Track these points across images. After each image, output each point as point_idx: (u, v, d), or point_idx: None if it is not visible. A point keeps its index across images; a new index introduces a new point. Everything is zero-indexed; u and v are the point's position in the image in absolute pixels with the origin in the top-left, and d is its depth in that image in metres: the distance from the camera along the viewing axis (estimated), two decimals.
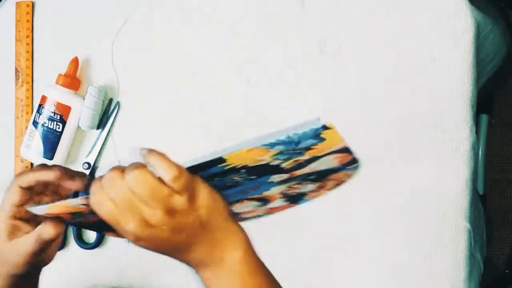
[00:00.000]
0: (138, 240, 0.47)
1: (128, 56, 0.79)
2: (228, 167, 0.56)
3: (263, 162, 0.57)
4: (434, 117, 0.70)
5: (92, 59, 0.80)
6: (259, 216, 0.68)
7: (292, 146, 0.58)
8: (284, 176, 0.62)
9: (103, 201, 0.48)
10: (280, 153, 0.58)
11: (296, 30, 0.74)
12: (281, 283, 0.53)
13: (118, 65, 0.79)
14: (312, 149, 0.57)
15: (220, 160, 0.54)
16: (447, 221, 0.70)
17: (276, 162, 0.58)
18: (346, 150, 0.57)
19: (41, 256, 0.53)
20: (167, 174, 0.46)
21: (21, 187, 0.52)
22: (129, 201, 0.46)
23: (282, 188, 0.64)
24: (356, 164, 0.58)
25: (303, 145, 0.58)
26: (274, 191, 0.66)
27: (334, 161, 0.60)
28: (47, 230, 0.51)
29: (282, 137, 0.55)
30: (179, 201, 0.46)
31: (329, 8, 0.73)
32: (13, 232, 0.52)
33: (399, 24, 0.71)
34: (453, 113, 0.70)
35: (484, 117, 1.15)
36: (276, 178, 0.61)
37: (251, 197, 0.66)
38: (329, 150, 0.58)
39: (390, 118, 0.72)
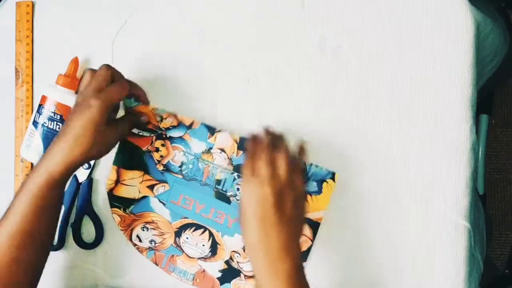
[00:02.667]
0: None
1: (128, 56, 0.79)
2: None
3: None
4: (434, 117, 0.71)
5: (92, 59, 0.80)
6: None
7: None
8: None
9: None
10: None
11: (296, 30, 0.74)
12: None
13: (118, 65, 0.79)
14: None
15: None
16: (447, 221, 0.70)
17: None
18: None
19: None
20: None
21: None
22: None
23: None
24: None
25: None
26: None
27: None
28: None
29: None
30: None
31: (329, 8, 0.73)
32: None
33: (399, 24, 0.71)
34: (453, 113, 0.70)
35: (484, 117, 1.15)
36: None
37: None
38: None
39: (390, 118, 0.72)
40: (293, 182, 0.66)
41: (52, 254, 0.80)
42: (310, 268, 0.74)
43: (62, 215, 0.80)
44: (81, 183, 0.79)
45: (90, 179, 0.79)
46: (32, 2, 0.83)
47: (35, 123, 0.77)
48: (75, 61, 0.78)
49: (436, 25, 0.70)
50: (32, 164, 0.82)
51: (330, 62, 0.73)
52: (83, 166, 0.79)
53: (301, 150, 0.70)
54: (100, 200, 0.80)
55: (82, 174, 0.79)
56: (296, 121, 0.74)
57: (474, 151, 0.70)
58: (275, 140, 0.68)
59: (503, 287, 1.22)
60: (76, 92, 0.79)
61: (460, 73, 0.70)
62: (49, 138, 0.77)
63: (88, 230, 0.81)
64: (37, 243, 0.68)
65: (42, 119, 0.77)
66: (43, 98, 0.77)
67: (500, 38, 0.79)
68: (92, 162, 0.79)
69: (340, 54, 0.73)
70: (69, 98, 0.77)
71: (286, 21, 0.74)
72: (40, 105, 0.77)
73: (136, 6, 0.79)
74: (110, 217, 0.80)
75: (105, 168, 0.80)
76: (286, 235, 0.63)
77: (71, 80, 0.78)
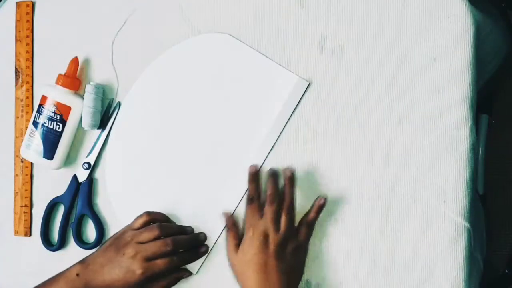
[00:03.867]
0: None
1: (128, 56, 0.79)
2: None
3: None
4: (434, 117, 0.71)
5: (92, 59, 0.80)
6: None
7: None
8: None
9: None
10: None
11: (296, 30, 0.74)
12: None
13: (118, 65, 0.79)
14: None
15: None
16: (447, 221, 0.70)
17: None
18: None
19: None
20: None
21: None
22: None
23: None
24: None
25: None
26: None
27: None
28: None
29: None
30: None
31: (329, 8, 0.73)
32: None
33: (399, 24, 0.71)
34: (453, 113, 0.70)
35: (484, 117, 1.15)
36: None
37: None
38: None
39: (390, 118, 0.72)
40: (297, 232, 0.71)
41: (52, 254, 0.80)
42: (309, 268, 0.74)
43: (62, 215, 0.80)
44: (81, 183, 0.79)
45: (90, 179, 0.79)
46: (32, 2, 0.83)
47: (35, 123, 0.77)
48: (75, 61, 0.78)
49: (436, 25, 0.70)
50: (32, 164, 0.82)
51: (330, 62, 0.73)
52: (83, 166, 0.79)
53: (289, 180, 0.72)
54: (100, 200, 0.80)
55: (82, 174, 0.79)
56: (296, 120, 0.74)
57: (474, 151, 0.70)
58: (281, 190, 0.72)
59: (503, 287, 1.22)
60: (76, 92, 0.79)
61: (460, 73, 0.70)
62: (49, 138, 0.77)
63: (88, 230, 0.81)
64: None
65: (42, 119, 0.77)
66: (43, 98, 0.77)
67: (500, 38, 0.79)
68: (92, 162, 0.79)
69: (340, 54, 0.73)
70: (69, 98, 0.77)
71: (286, 21, 0.74)
72: (40, 105, 0.77)
73: (136, 6, 0.79)
74: (110, 217, 0.80)
75: (105, 168, 0.80)
76: (285, 283, 0.68)
77: (71, 80, 0.78)
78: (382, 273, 0.72)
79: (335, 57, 0.73)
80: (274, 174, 0.72)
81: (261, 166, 0.74)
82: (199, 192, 0.76)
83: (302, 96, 0.73)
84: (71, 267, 0.72)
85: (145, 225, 0.73)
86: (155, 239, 0.71)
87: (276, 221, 0.70)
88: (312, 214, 0.72)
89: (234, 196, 0.75)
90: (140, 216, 0.74)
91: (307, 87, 0.73)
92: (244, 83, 0.75)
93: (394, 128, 0.72)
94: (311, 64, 0.74)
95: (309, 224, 0.72)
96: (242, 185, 0.75)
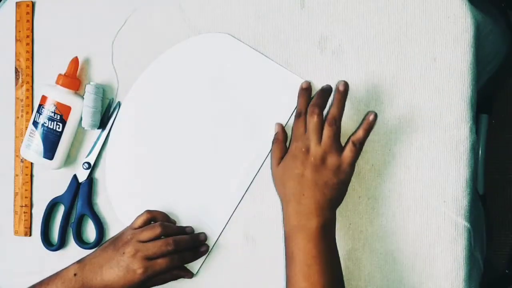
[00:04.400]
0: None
1: (128, 56, 0.79)
2: None
3: None
4: (434, 117, 0.71)
5: (92, 59, 0.80)
6: None
7: None
8: None
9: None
10: None
11: (296, 30, 0.74)
12: None
13: (118, 65, 0.79)
14: None
15: None
16: (447, 221, 0.70)
17: None
18: None
19: None
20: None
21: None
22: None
23: None
24: None
25: None
26: None
27: None
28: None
29: None
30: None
31: (329, 8, 0.73)
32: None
33: (399, 24, 0.71)
34: (453, 113, 0.70)
35: (484, 117, 1.15)
36: None
37: None
38: None
39: (390, 118, 0.72)
40: (342, 152, 0.67)
41: (52, 254, 0.80)
42: None
43: (62, 215, 0.80)
44: (81, 183, 0.79)
45: (90, 179, 0.79)
46: (32, 2, 0.83)
47: (35, 123, 0.77)
48: (75, 61, 0.78)
49: (436, 25, 0.70)
50: (32, 164, 0.82)
51: (330, 62, 0.73)
52: (83, 166, 0.79)
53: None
54: (100, 200, 0.80)
55: (82, 174, 0.79)
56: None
57: (474, 151, 0.70)
58: (334, 102, 0.68)
59: (503, 287, 1.22)
60: (76, 92, 0.79)
61: (460, 73, 0.70)
62: (49, 138, 0.77)
63: (88, 230, 0.81)
64: None
65: (42, 119, 0.77)
66: (43, 98, 0.77)
67: (500, 38, 0.79)
68: (92, 162, 0.79)
69: (340, 54, 0.73)
70: (69, 98, 0.77)
71: (286, 21, 0.74)
72: (40, 105, 0.77)
73: (136, 6, 0.79)
74: (110, 217, 0.80)
75: (105, 168, 0.80)
76: (319, 198, 0.66)
77: (71, 80, 0.78)
78: (382, 273, 0.72)
79: (335, 57, 0.73)
80: (325, 89, 0.69)
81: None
82: (199, 192, 0.76)
83: None
84: (68, 266, 0.71)
85: (146, 223, 0.73)
86: (156, 237, 0.71)
87: (319, 132, 0.67)
88: (360, 132, 0.68)
89: (234, 196, 0.75)
90: (141, 215, 0.74)
91: None
92: (244, 83, 0.75)
93: (394, 128, 0.72)
94: (311, 64, 0.74)
95: (355, 142, 0.67)
96: (242, 185, 0.75)
